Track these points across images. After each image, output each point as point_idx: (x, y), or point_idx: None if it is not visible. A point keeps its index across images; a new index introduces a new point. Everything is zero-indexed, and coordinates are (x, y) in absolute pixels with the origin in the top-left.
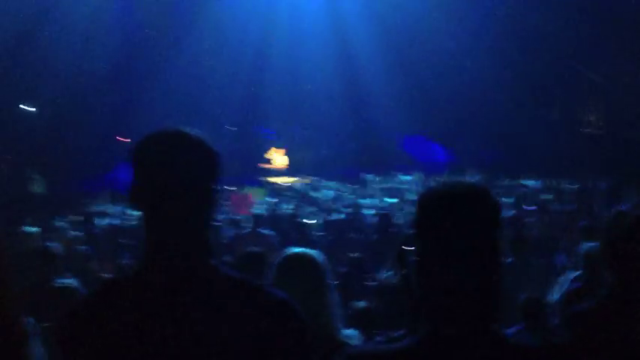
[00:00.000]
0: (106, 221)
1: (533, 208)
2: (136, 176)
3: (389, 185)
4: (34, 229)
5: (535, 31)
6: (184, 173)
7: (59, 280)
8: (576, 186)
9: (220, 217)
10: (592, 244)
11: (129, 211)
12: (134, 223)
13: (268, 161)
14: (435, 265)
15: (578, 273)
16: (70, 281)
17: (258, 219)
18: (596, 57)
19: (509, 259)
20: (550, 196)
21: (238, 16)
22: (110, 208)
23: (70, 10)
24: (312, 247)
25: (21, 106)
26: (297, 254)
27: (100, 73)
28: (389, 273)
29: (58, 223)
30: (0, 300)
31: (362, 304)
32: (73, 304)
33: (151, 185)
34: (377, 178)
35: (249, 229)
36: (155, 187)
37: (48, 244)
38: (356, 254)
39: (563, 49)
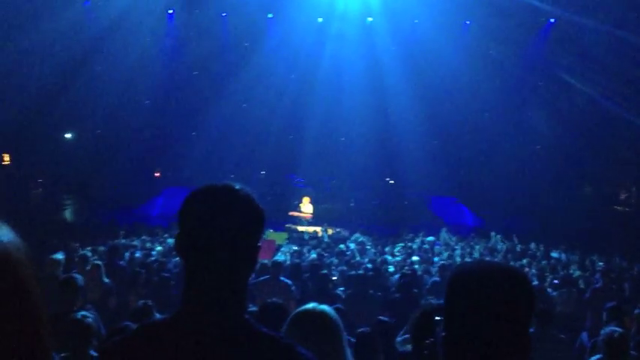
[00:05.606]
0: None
1: (557, 282)
2: (184, 227)
3: (414, 244)
4: (60, 256)
5: (574, 107)
6: (230, 230)
7: (79, 313)
8: (602, 263)
9: None
10: (615, 328)
11: (154, 246)
12: (156, 259)
13: (298, 209)
14: (465, 346)
15: (598, 357)
16: (89, 315)
17: (278, 266)
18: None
19: (531, 329)
20: (577, 272)
21: (281, 66)
22: (136, 241)
23: (121, 44)
24: (331, 301)
25: (66, 135)
26: (312, 310)
27: (142, 108)
28: (405, 336)
29: (83, 252)
30: (36, 333)
31: None
32: (107, 345)
33: (198, 238)
34: (403, 236)
35: (269, 277)
36: (201, 241)
37: (72, 274)
38: (385, 318)
39: (600, 125)
